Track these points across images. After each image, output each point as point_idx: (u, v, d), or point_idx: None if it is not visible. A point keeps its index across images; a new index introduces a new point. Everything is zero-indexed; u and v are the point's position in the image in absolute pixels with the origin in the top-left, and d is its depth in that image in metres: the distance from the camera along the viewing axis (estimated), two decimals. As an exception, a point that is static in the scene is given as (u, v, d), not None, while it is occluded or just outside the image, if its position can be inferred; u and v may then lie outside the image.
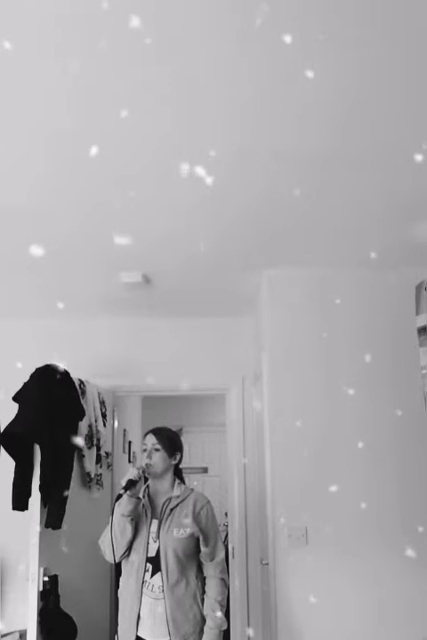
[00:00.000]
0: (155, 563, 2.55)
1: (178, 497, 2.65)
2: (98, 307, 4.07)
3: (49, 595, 3.11)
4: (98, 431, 3.90)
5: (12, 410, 3.19)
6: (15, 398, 3.25)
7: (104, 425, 4.02)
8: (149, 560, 2.56)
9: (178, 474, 2.75)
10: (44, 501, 3.18)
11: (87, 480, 3.70)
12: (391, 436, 3.24)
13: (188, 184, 2.46)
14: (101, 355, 4.11)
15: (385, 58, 1.82)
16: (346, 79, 1.90)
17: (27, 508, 3.23)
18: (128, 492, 2.53)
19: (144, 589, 2.54)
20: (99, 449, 3.90)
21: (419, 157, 2.30)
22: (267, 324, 3.47)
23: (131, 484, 2.53)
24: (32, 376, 3.29)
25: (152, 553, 2.57)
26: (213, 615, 2.54)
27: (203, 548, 2.62)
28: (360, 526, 3.14)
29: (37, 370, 3.30)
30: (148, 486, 2.71)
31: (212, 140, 2.20)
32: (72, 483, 3.35)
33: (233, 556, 4.14)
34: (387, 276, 3.38)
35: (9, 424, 3.16)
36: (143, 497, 2.66)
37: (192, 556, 2.61)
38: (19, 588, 3.80)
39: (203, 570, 2.65)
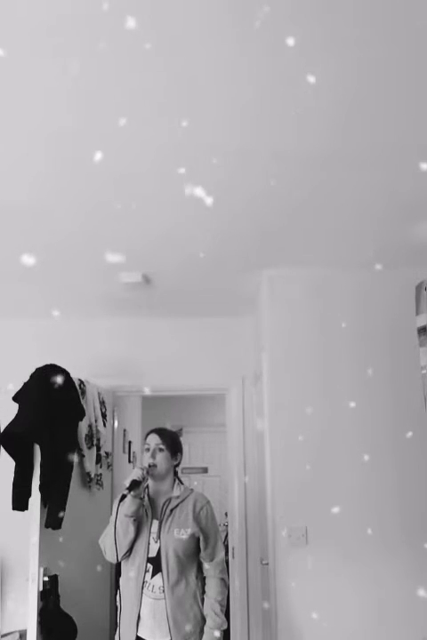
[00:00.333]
0: (155, 563, 2.56)
1: (178, 497, 2.65)
2: (98, 307, 4.07)
3: (49, 595, 3.11)
4: (98, 431, 3.90)
5: (12, 410, 3.19)
6: (15, 398, 3.25)
7: (104, 425, 4.02)
8: (149, 560, 2.56)
9: (176, 474, 2.75)
10: (44, 501, 3.18)
11: (87, 480, 3.70)
12: (391, 436, 3.24)
13: (188, 184, 2.46)
14: (101, 355, 4.11)
15: (385, 58, 1.82)
16: (346, 79, 1.90)
17: (27, 508, 3.23)
18: (132, 492, 2.53)
19: (144, 590, 2.54)
20: (99, 449, 3.90)
21: (418, 156, 2.30)
22: (267, 324, 3.47)
23: (135, 485, 2.53)
24: (32, 376, 3.29)
25: (153, 553, 2.57)
26: (214, 615, 2.54)
27: (203, 548, 2.62)
28: (360, 526, 3.13)
29: (37, 370, 3.30)
30: (147, 487, 2.71)
31: (212, 139, 2.20)
32: (72, 483, 3.35)
33: (233, 556, 4.14)
34: (387, 276, 3.38)
35: (9, 424, 3.15)
36: (143, 497, 2.66)
37: (192, 556, 2.61)
38: (19, 588, 3.80)
39: (203, 570, 2.65)
